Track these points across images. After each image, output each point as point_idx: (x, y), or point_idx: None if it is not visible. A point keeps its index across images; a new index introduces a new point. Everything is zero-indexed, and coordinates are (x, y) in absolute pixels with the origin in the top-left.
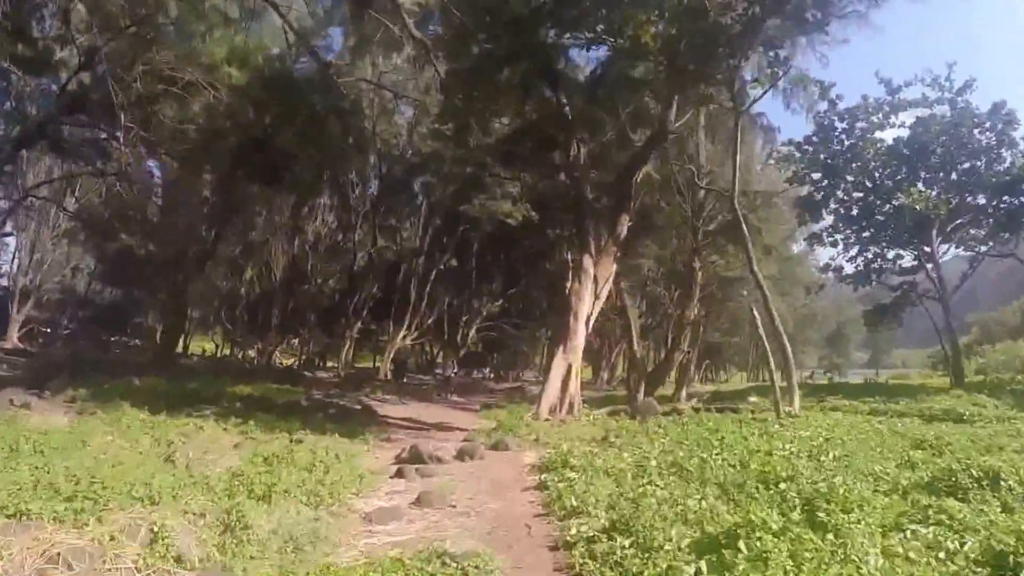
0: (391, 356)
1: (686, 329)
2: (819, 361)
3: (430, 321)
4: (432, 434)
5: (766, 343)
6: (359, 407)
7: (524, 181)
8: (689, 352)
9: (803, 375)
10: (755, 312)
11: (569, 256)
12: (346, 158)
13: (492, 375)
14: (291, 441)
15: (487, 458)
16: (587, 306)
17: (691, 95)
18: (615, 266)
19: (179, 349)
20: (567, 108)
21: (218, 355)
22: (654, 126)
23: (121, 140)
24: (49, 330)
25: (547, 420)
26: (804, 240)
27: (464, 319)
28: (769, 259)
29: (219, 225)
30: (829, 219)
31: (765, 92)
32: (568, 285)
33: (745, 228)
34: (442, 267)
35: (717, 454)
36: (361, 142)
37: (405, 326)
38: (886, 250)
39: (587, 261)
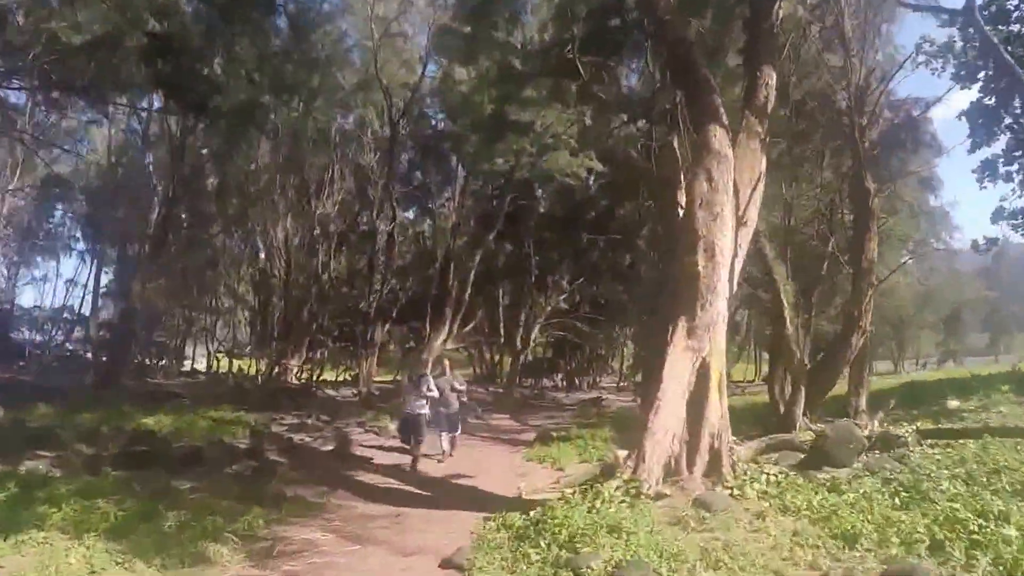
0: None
1: (867, 293)
2: (935, 348)
3: (477, 320)
4: (406, 519)
5: None
6: (333, 447)
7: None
8: (868, 333)
9: (919, 365)
10: None
11: (676, 144)
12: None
13: (563, 382)
14: None
15: None
16: (729, 238)
17: None
18: (763, 160)
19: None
20: None
21: (233, 371)
22: None
23: None
24: (40, 352)
25: (662, 493)
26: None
27: (524, 316)
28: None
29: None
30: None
31: None
32: (682, 198)
33: None
34: (491, 248)
35: None
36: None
37: (445, 327)
38: None
39: (716, 136)
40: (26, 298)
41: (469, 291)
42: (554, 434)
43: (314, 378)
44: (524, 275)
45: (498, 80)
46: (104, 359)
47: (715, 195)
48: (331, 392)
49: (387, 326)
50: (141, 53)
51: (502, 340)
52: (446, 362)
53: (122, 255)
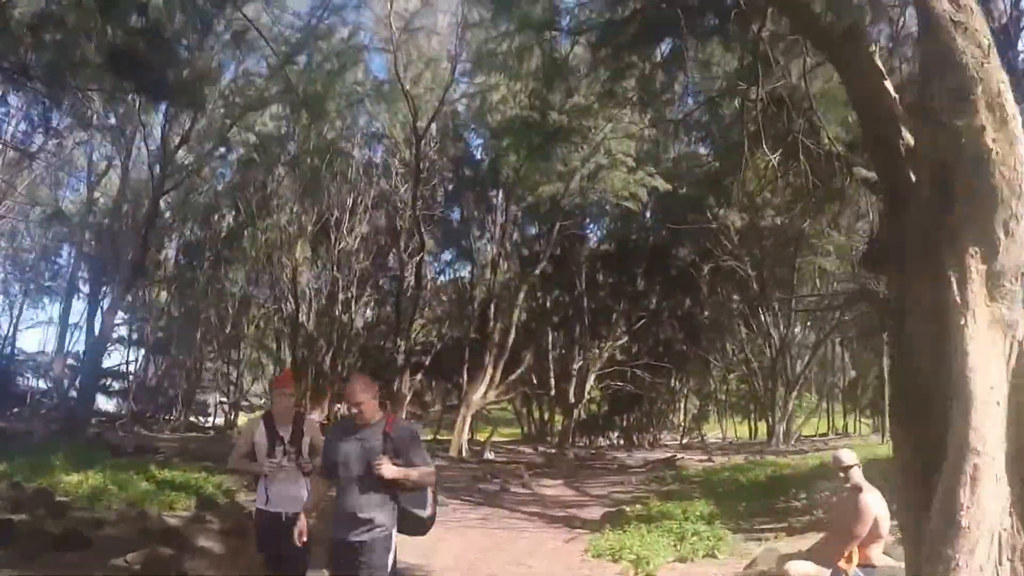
0: (466, 420)
1: None
2: None
3: (523, 368)
4: None
5: None
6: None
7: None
8: None
9: None
10: None
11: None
12: None
13: (621, 440)
14: None
15: None
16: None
17: None
18: None
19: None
20: None
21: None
22: None
23: None
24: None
25: None
26: None
27: (577, 366)
28: None
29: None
30: None
31: None
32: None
33: None
34: (536, 288)
35: None
36: None
37: (486, 377)
38: None
39: None
40: (30, 341)
41: (512, 336)
42: (627, 509)
43: None
44: (575, 319)
45: (543, 75)
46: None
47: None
48: None
49: (418, 376)
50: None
51: (552, 393)
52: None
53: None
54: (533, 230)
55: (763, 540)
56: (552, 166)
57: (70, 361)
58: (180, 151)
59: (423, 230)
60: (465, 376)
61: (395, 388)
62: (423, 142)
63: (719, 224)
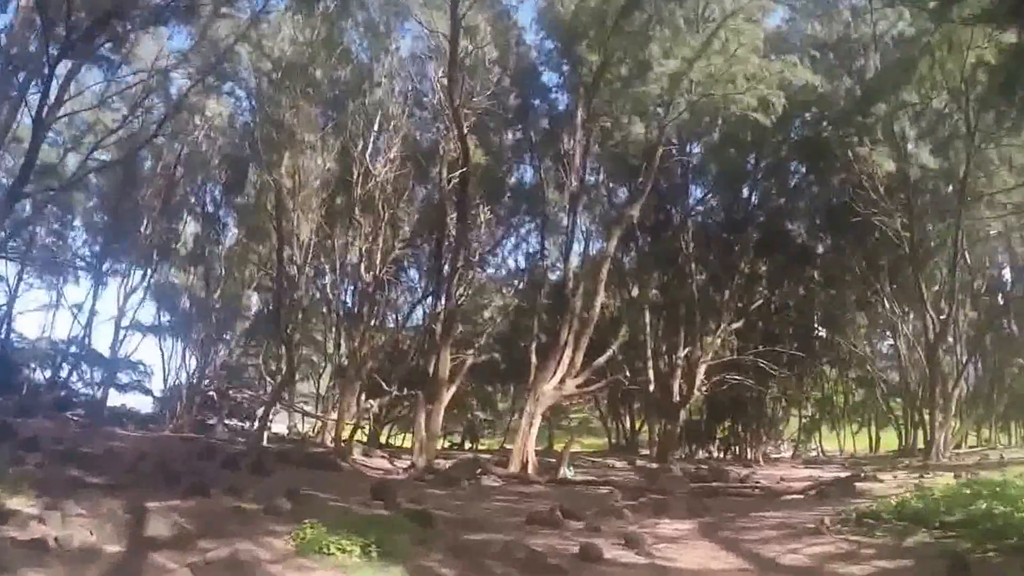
0: (534, 420)
1: None
2: None
3: (610, 356)
4: None
5: None
6: None
7: None
8: None
9: None
10: None
11: None
12: None
13: (723, 453)
14: None
15: None
16: None
17: None
18: None
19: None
20: None
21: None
22: None
23: None
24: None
25: None
26: None
27: (682, 355)
28: None
29: None
30: None
31: None
32: None
33: None
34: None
35: None
36: None
37: (563, 359)
38: None
39: None
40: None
41: (600, 301)
42: None
43: (352, 437)
44: (679, 297)
45: None
46: None
47: None
48: (375, 461)
49: (469, 359)
50: None
51: (651, 388)
52: None
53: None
54: (625, 172)
55: None
56: (645, 59)
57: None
58: None
59: (464, 133)
60: (533, 357)
61: (433, 372)
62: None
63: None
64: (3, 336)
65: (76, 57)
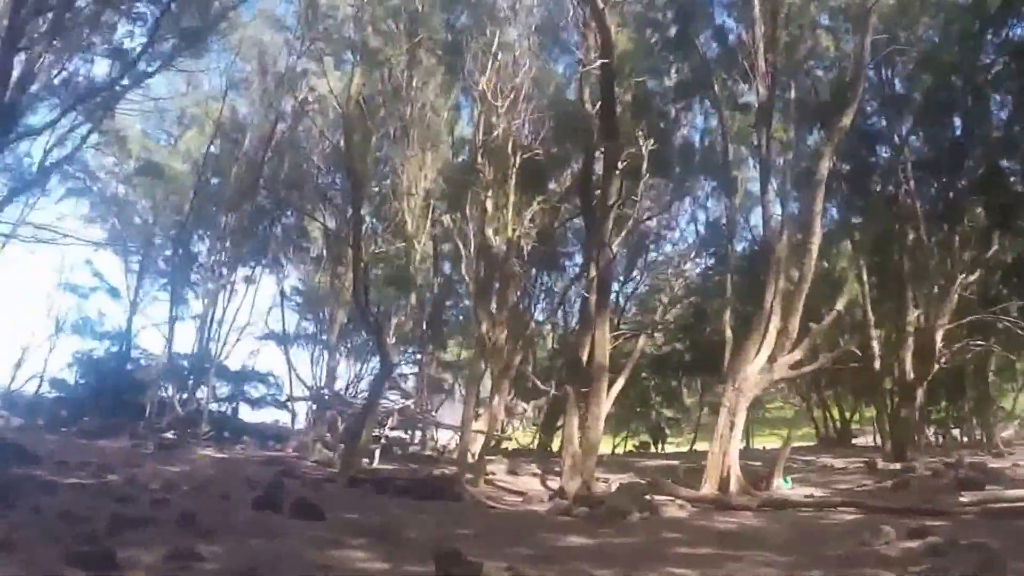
0: (737, 415)
1: None
2: None
3: (831, 318)
4: None
5: None
6: None
7: None
8: None
9: None
10: None
11: None
12: None
13: (942, 437)
14: None
15: None
16: None
17: None
18: None
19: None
20: None
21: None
22: None
23: None
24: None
25: None
26: None
27: (914, 317)
28: None
29: None
30: None
31: None
32: None
33: None
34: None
35: None
36: None
37: (770, 328)
38: None
39: None
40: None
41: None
42: None
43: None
44: (898, 259)
45: None
46: None
47: None
48: (522, 481)
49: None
50: None
51: (875, 364)
52: None
53: None
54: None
55: None
56: None
57: None
58: None
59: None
60: (728, 331)
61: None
62: None
63: None
64: (125, 351)
65: None
